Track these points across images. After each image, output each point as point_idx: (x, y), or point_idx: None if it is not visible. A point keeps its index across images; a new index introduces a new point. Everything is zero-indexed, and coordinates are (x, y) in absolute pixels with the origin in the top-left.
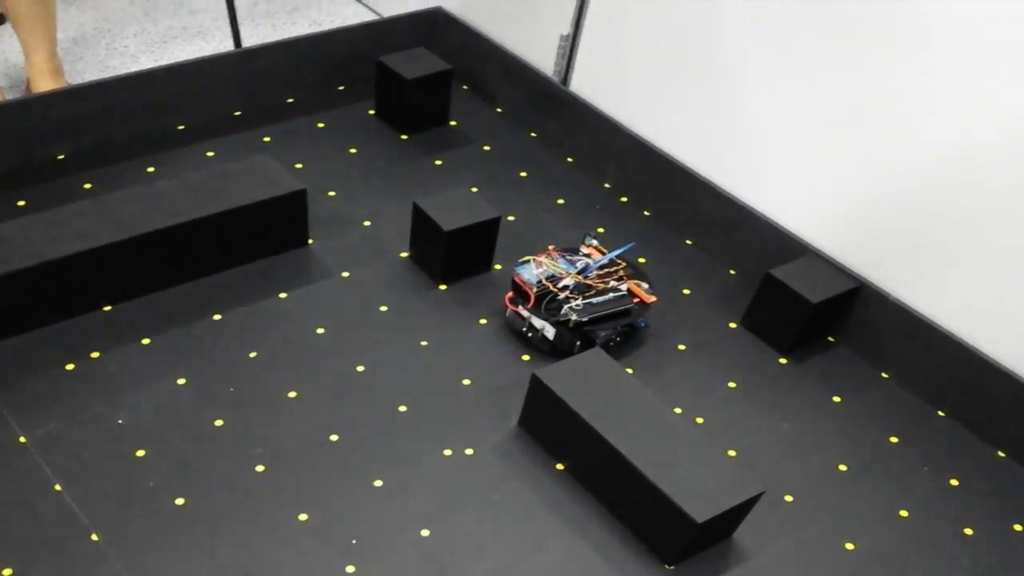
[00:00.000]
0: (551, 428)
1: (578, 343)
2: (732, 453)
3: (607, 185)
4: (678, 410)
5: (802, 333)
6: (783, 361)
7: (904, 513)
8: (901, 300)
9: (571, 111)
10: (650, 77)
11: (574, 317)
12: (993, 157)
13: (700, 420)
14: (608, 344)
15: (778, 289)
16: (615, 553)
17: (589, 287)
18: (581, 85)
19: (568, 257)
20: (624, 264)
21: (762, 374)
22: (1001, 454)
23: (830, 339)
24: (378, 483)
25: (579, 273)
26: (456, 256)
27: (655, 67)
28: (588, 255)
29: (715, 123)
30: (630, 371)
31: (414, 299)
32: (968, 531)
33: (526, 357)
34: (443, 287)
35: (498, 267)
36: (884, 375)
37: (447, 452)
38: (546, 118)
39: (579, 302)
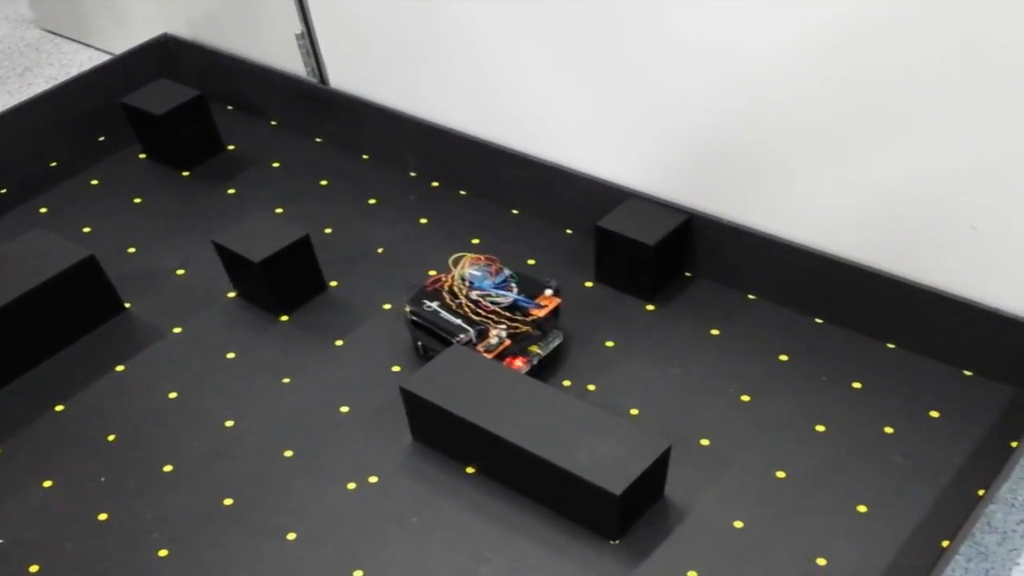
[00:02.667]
0: (444, 435)
1: (418, 343)
2: (634, 412)
3: (412, 174)
4: (567, 383)
5: (657, 276)
6: (650, 308)
7: (821, 428)
8: (736, 222)
9: (344, 108)
10: (403, 55)
11: (408, 308)
12: (779, 72)
13: (591, 387)
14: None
15: (614, 239)
16: (558, 542)
17: (476, 304)
18: (340, 79)
19: (491, 269)
20: (529, 328)
21: (634, 325)
22: (891, 346)
23: (687, 274)
24: (291, 536)
25: (471, 285)
26: (282, 284)
27: (402, 43)
28: (514, 294)
29: (487, 86)
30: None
31: (258, 338)
32: (888, 429)
33: (396, 368)
34: (284, 318)
35: (334, 284)
36: (750, 297)
37: (351, 485)
38: (324, 120)
39: (432, 305)
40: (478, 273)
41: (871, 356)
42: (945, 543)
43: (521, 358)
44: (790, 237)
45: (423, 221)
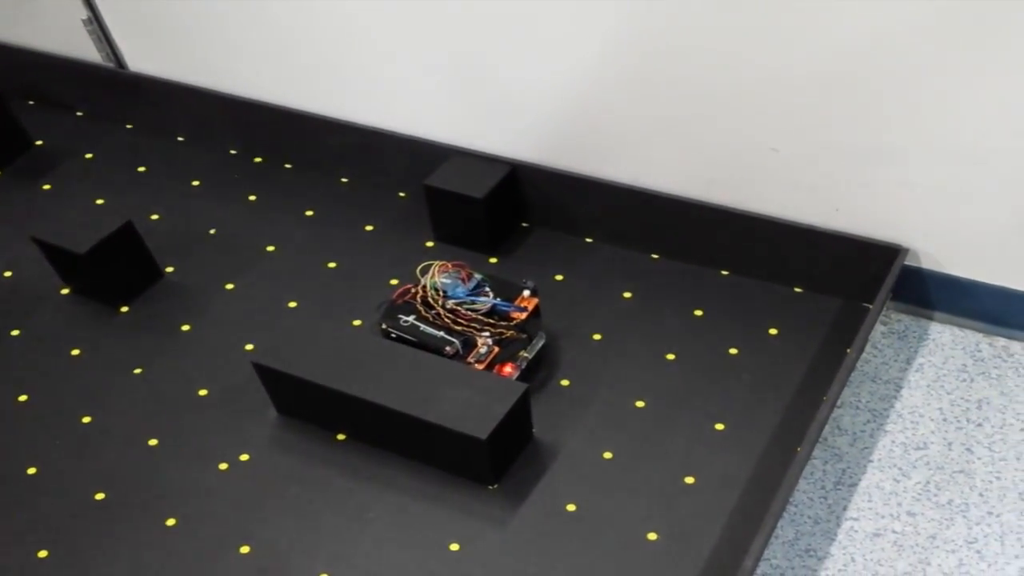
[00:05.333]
0: (308, 405)
1: None
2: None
3: (232, 151)
4: None
5: (493, 228)
6: (493, 260)
7: (671, 356)
8: (559, 167)
9: (149, 91)
10: (202, 31)
11: (384, 325)
12: (592, 25)
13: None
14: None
15: (444, 196)
16: (437, 493)
17: (455, 313)
18: (139, 62)
19: (462, 275)
20: (514, 332)
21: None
22: (724, 272)
23: (524, 224)
24: (171, 522)
25: (447, 295)
26: (115, 275)
27: (200, 19)
28: (491, 297)
29: (297, 56)
30: (357, 323)
31: (101, 331)
32: (733, 351)
33: (249, 347)
34: (124, 309)
35: (170, 270)
36: (588, 240)
37: (223, 466)
38: (131, 105)
39: (408, 319)
40: (449, 281)
41: (707, 284)
42: (799, 449)
43: (510, 364)
44: (616, 178)
45: (252, 198)
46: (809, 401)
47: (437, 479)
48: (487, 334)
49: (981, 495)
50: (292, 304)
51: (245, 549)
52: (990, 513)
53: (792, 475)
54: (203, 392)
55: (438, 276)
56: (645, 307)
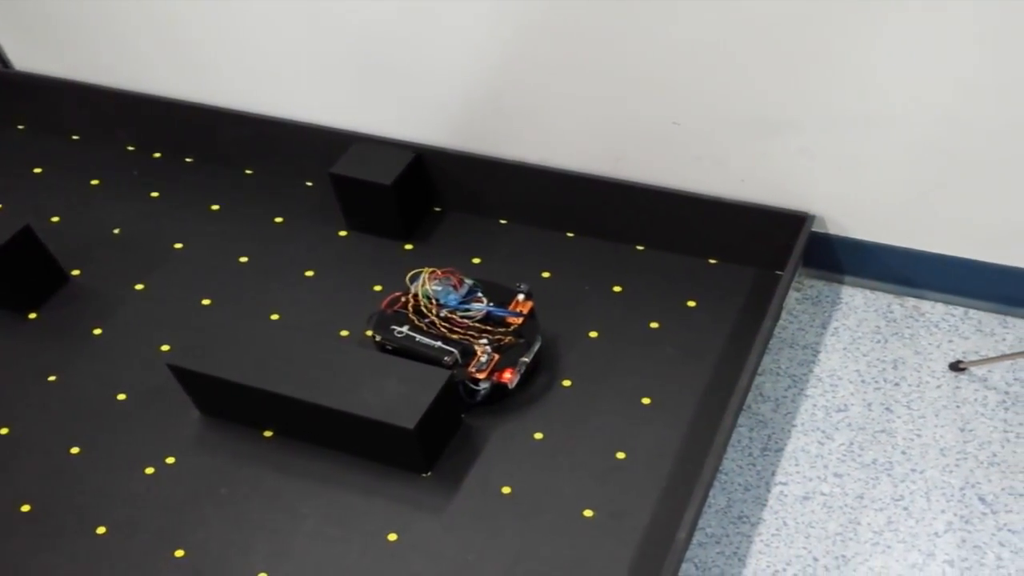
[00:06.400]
0: (231, 404)
1: None
2: None
3: (130, 148)
4: (344, 333)
5: (404, 214)
6: (408, 247)
7: (594, 334)
8: (467, 151)
9: (38, 90)
10: (88, 27)
11: (378, 338)
12: (493, 10)
13: (369, 333)
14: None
15: (351, 184)
16: (371, 485)
17: (449, 322)
18: (25, 61)
19: (453, 282)
20: (512, 338)
21: (393, 265)
22: (640, 248)
23: (437, 209)
24: (101, 530)
25: (439, 303)
26: (17, 280)
27: (85, 15)
28: (487, 303)
29: (188, 48)
30: (275, 317)
31: (9, 340)
32: (654, 325)
33: (164, 347)
34: (32, 315)
35: (76, 273)
36: (502, 222)
37: (149, 470)
38: (19, 106)
39: (403, 329)
40: (440, 288)
41: (624, 260)
42: (726, 418)
43: (509, 369)
44: (525, 159)
45: (154, 195)
46: (732, 370)
47: (369, 471)
48: (485, 341)
49: (904, 453)
50: (206, 302)
51: (180, 553)
52: (914, 470)
53: (718, 444)
54: (121, 396)
55: (429, 284)
56: (564, 286)
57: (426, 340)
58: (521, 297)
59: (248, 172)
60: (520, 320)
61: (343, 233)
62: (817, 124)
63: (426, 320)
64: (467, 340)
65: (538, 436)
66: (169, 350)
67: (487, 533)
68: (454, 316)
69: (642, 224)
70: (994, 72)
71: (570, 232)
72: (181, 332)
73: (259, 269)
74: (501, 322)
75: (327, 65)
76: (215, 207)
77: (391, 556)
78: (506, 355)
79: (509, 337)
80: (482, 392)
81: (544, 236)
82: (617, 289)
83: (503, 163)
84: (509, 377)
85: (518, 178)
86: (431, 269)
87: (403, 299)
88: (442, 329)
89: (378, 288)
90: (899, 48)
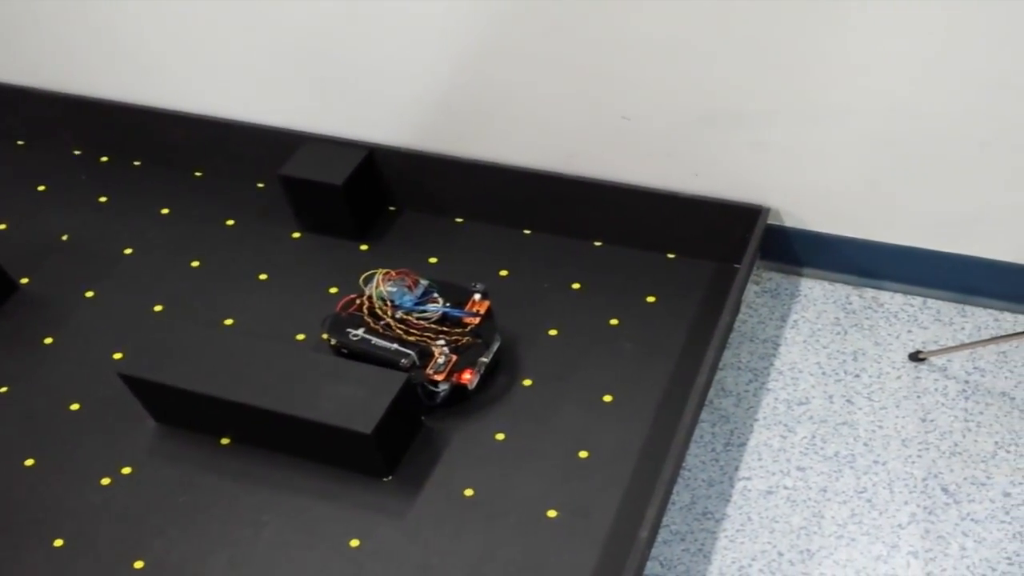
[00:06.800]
0: (186, 412)
1: None
2: None
3: (76, 152)
4: (300, 337)
5: (357, 214)
6: (364, 247)
7: (554, 332)
8: (419, 149)
9: None
10: (24, 27)
11: (333, 341)
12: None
13: (325, 336)
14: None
15: (301, 185)
16: (332, 491)
17: (405, 323)
18: None
19: (408, 283)
20: (470, 338)
21: (350, 265)
22: (597, 244)
23: (391, 208)
24: (59, 543)
25: (395, 305)
26: None
27: (17, 14)
28: (438, 302)
29: (129, 47)
30: (229, 322)
31: None
32: (614, 321)
33: (117, 356)
34: None
35: (25, 281)
36: (458, 220)
37: (105, 481)
38: None
39: (358, 332)
40: (395, 289)
41: (583, 256)
42: (685, 415)
43: (468, 370)
44: (479, 156)
45: (102, 199)
46: (692, 365)
47: (330, 476)
48: (442, 342)
49: (866, 445)
50: (158, 308)
51: (139, 564)
52: (876, 462)
53: (678, 442)
54: (75, 406)
55: (383, 285)
56: (522, 284)
57: (382, 343)
58: (477, 297)
59: (198, 174)
60: (477, 320)
61: (296, 235)
62: (768, 117)
63: (382, 322)
64: (424, 341)
65: (500, 437)
66: (122, 358)
67: (450, 536)
68: (410, 317)
69: (599, 220)
70: (945, 63)
71: (527, 229)
72: (133, 339)
73: (211, 273)
74: (458, 322)
75: (274, 65)
76: (165, 211)
77: (354, 562)
78: (464, 356)
79: (467, 338)
80: (441, 394)
81: (501, 234)
82: (576, 286)
83: (457, 161)
84: (468, 378)
85: (473, 176)
86: (385, 270)
87: (358, 301)
88: (398, 331)
89: (333, 290)
90: (850, 40)
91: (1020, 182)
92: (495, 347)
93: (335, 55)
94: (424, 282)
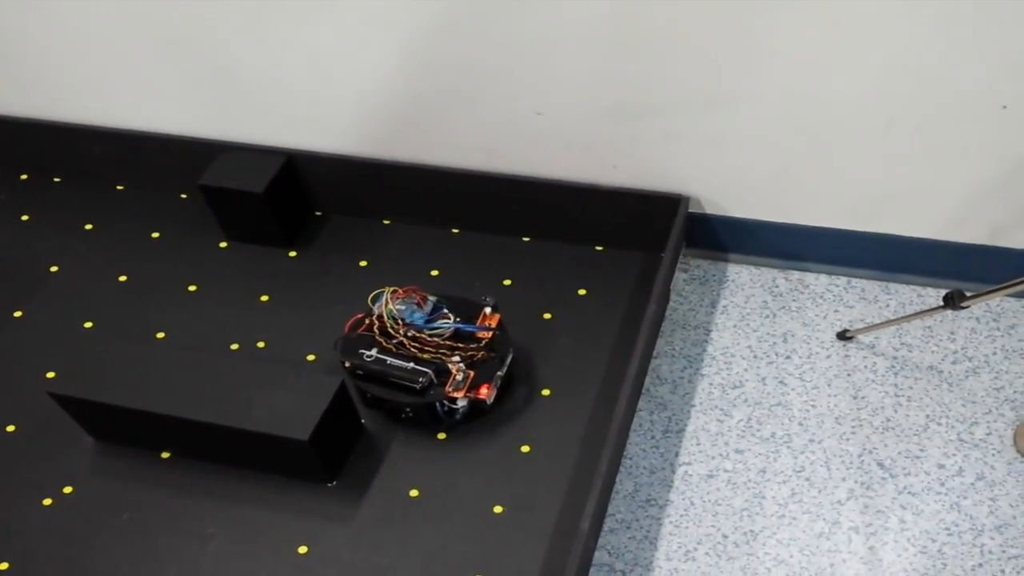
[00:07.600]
0: (122, 428)
1: (368, 395)
2: (311, 357)
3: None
4: (234, 346)
5: (282, 221)
6: (292, 254)
7: (548, 315)
8: (340, 153)
9: None
10: None
11: (347, 363)
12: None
13: (261, 344)
14: (400, 415)
15: (222, 195)
16: (276, 499)
17: (418, 341)
18: None
19: (416, 300)
20: (484, 353)
21: (280, 273)
22: (526, 239)
23: (317, 214)
24: (3, 567)
25: (406, 323)
26: None
27: None
28: (448, 317)
29: (33, 61)
30: (161, 336)
31: None
32: (548, 315)
33: (50, 374)
34: None
35: None
36: (386, 222)
37: (47, 502)
38: None
39: (372, 352)
40: (404, 307)
41: (512, 253)
42: (619, 405)
43: (486, 385)
44: (400, 158)
45: (24, 217)
46: (626, 354)
47: (273, 484)
48: (457, 358)
49: (801, 424)
50: (87, 324)
51: None
52: (812, 441)
53: (613, 432)
54: (11, 428)
55: (392, 304)
56: (454, 283)
57: (398, 362)
58: (488, 310)
59: (119, 188)
60: (490, 334)
61: (223, 244)
62: (677, 107)
63: (394, 341)
64: (439, 359)
65: (441, 436)
66: (54, 377)
67: (398, 537)
68: (422, 335)
69: (526, 216)
70: (846, 48)
71: (455, 228)
72: (64, 358)
73: (140, 287)
74: (470, 337)
75: (184, 74)
76: (88, 226)
77: (303, 568)
78: (480, 371)
79: (482, 352)
80: (461, 411)
81: (429, 234)
82: (507, 282)
83: (380, 163)
84: (486, 393)
85: (397, 178)
86: (392, 288)
87: (367, 321)
88: (412, 349)
89: (264, 298)
90: (754, 28)
91: (927, 160)
92: (508, 359)
93: (247, 62)
94: (432, 298)
